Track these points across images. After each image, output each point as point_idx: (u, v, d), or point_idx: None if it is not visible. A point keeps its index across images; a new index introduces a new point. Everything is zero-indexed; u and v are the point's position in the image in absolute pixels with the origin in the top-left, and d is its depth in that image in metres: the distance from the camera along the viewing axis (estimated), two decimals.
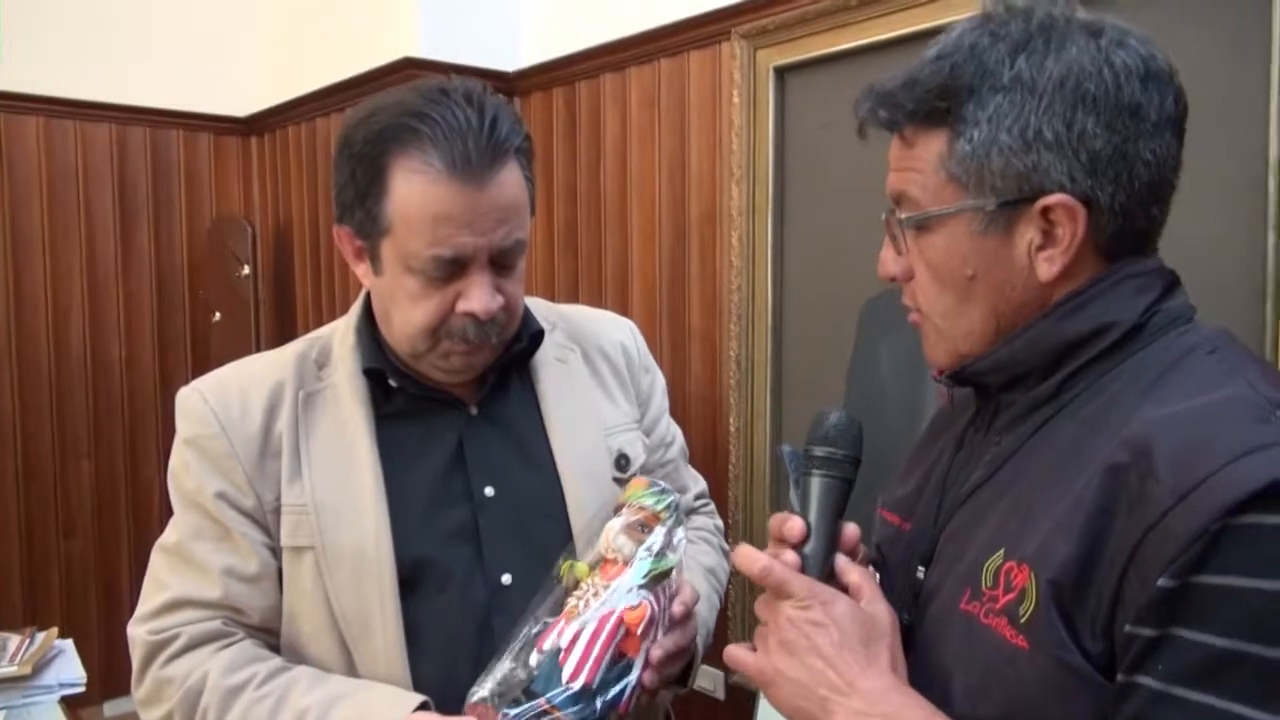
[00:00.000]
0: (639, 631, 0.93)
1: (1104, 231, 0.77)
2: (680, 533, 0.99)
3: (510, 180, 1.02)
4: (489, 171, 0.99)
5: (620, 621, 0.92)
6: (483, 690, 0.93)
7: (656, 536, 0.96)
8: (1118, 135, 0.75)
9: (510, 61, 2.67)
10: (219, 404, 1.08)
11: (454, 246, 0.99)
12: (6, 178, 2.97)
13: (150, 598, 1.08)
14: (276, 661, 1.05)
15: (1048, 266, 0.78)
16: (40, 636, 1.79)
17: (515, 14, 2.68)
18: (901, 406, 1.87)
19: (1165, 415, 0.70)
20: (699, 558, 1.21)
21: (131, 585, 3.26)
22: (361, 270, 1.09)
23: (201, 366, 3.34)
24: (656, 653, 0.95)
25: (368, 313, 1.14)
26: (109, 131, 3.14)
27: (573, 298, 2.54)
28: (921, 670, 0.81)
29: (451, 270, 1.01)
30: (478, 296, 1.02)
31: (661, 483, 0.98)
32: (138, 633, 1.06)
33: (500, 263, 1.03)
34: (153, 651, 1.04)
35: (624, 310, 2.43)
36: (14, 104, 2.95)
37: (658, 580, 0.94)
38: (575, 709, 0.89)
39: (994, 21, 0.79)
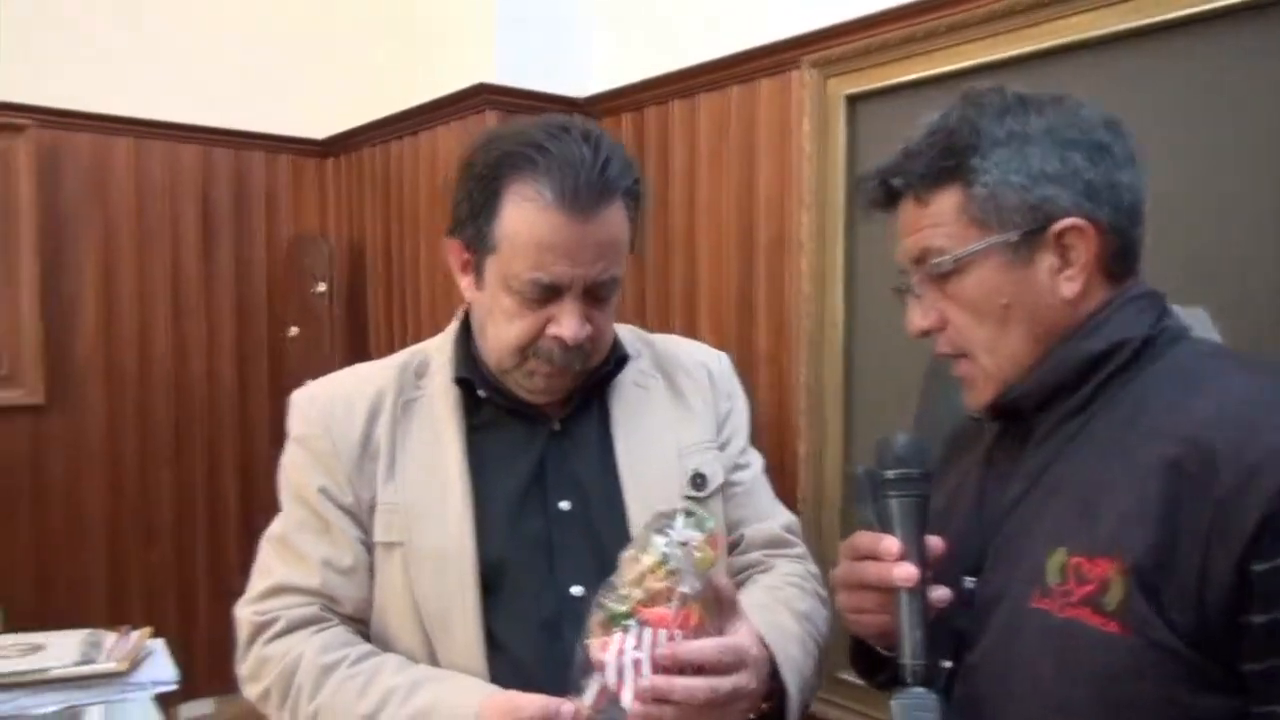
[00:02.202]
0: (591, 662, 0.94)
1: (1108, 250, 0.90)
2: (687, 584, 0.93)
3: (614, 219, 1.08)
4: (595, 208, 1.05)
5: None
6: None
7: (627, 581, 0.95)
8: (1101, 167, 0.89)
9: (581, 88, 2.74)
10: (326, 407, 1.16)
11: (552, 273, 1.05)
12: (100, 195, 3.12)
13: (256, 582, 1.16)
14: (367, 647, 1.12)
15: (1069, 285, 0.89)
16: (135, 635, 1.87)
17: (587, 42, 2.75)
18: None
19: (1209, 411, 0.81)
20: (792, 603, 1.18)
21: (208, 591, 3.37)
22: (465, 283, 1.16)
23: (277, 380, 3.45)
24: (624, 694, 0.92)
25: (466, 326, 1.20)
26: (196, 152, 3.28)
27: (639, 318, 2.59)
28: (999, 666, 0.88)
29: (547, 295, 1.07)
30: (568, 324, 1.07)
31: (663, 541, 0.93)
32: (244, 613, 1.14)
33: (594, 294, 1.09)
34: (256, 631, 1.12)
35: (692, 333, 2.47)
36: (108, 125, 3.10)
37: (613, 620, 0.93)
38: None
39: (974, 98, 0.93)
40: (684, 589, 0.92)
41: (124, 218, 3.17)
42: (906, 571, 0.87)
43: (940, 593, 0.91)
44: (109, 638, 1.87)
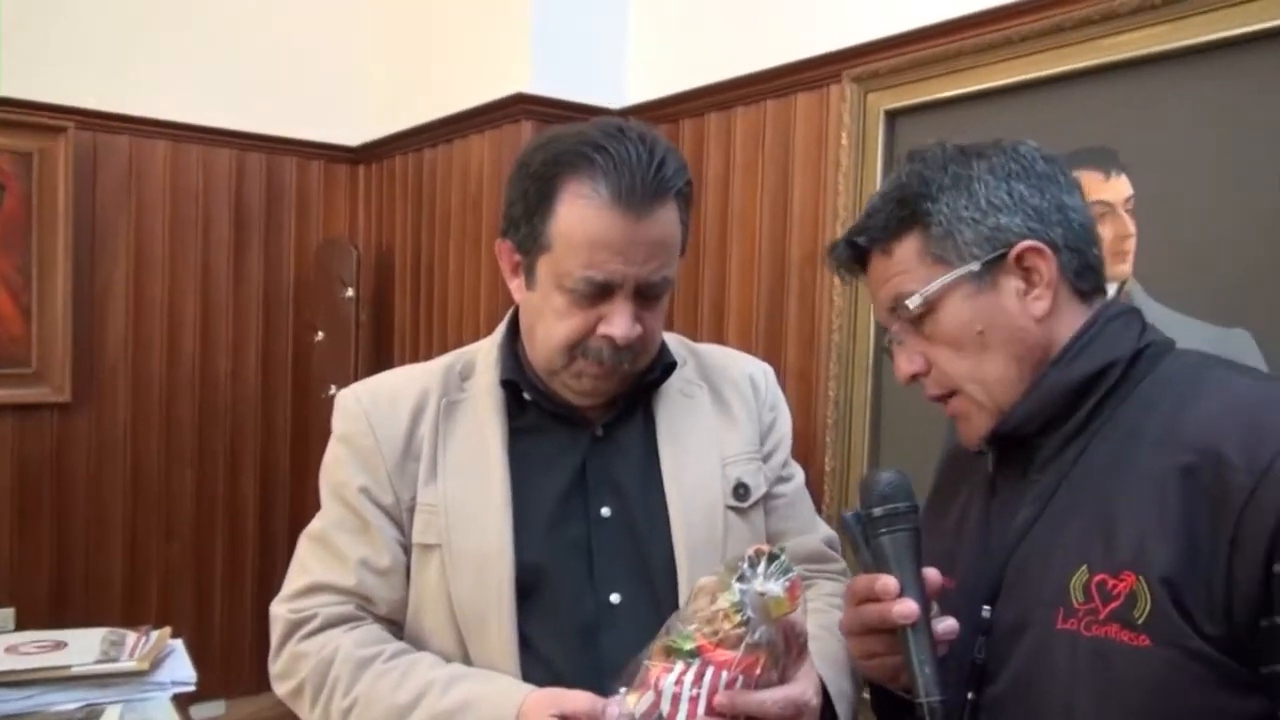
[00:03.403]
0: (648, 681, 0.92)
1: (1069, 268, 0.94)
2: (757, 634, 0.91)
3: (667, 219, 1.08)
4: (649, 207, 1.05)
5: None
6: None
7: (698, 616, 0.93)
8: (1047, 193, 0.95)
9: (617, 99, 2.74)
10: (370, 406, 1.16)
11: (606, 271, 1.05)
12: (134, 197, 3.14)
13: (293, 580, 1.16)
14: (402, 644, 1.12)
15: (1038, 304, 0.93)
16: (155, 635, 1.86)
17: (624, 53, 2.76)
18: None
19: (1213, 416, 0.83)
20: (834, 627, 1.13)
21: (223, 592, 3.36)
22: (515, 285, 1.16)
23: (302, 384, 3.46)
24: None
25: (512, 329, 1.20)
26: (229, 157, 3.30)
27: (666, 327, 2.57)
28: (1028, 693, 0.87)
29: (599, 293, 1.07)
30: (618, 322, 1.07)
31: (741, 588, 0.90)
32: (280, 611, 1.14)
33: (645, 294, 1.09)
34: (291, 629, 1.12)
35: (719, 343, 2.46)
36: (144, 128, 3.12)
37: (677, 653, 0.92)
38: None
39: (917, 155, 1.00)
40: (753, 638, 0.90)
41: (157, 219, 3.18)
42: (906, 608, 0.87)
43: (946, 624, 0.91)
44: (130, 636, 1.86)
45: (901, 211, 0.97)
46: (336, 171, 3.55)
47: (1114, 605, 0.83)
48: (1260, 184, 1.51)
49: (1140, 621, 0.81)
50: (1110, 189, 1.70)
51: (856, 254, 1.03)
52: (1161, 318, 1.61)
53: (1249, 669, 0.78)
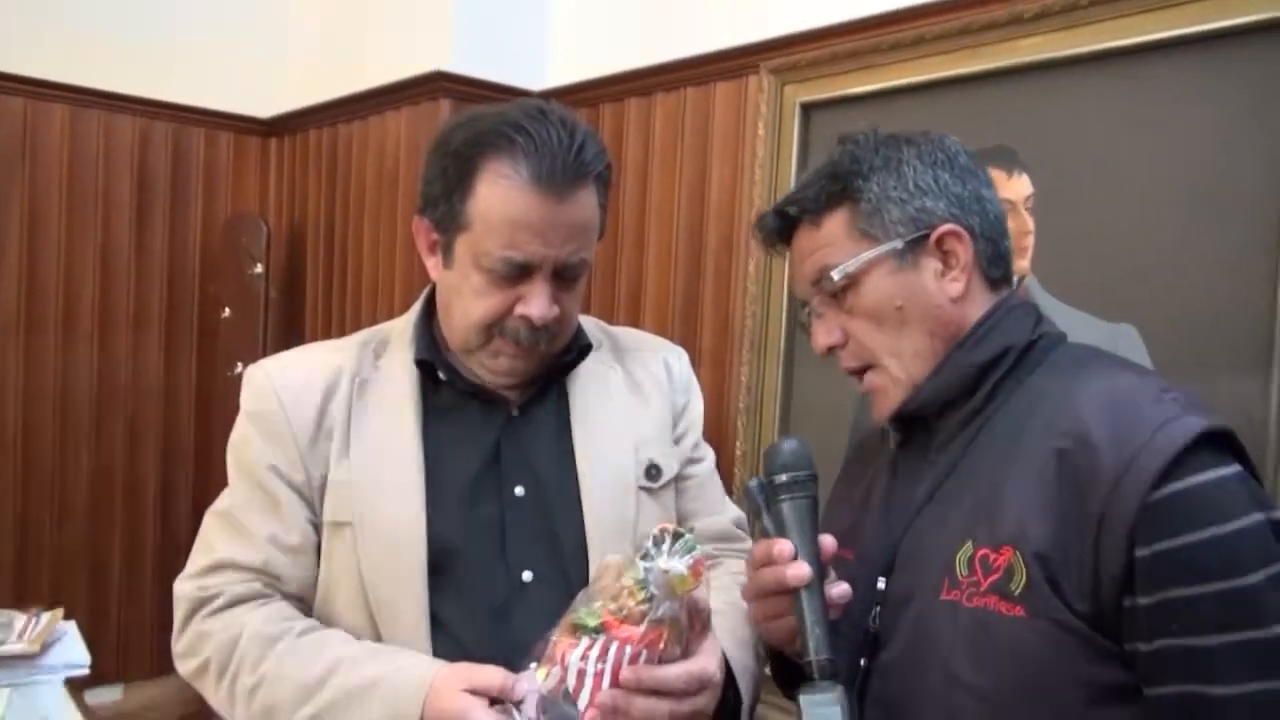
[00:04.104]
0: (555, 657, 0.94)
1: (983, 255, 1.00)
2: (660, 610, 0.93)
3: (586, 202, 1.09)
4: (569, 189, 1.06)
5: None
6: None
7: (604, 593, 0.95)
8: (968, 184, 1.01)
9: (538, 81, 2.72)
10: (281, 382, 1.14)
11: (525, 252, 1.06)
12: (29, 162, 3.00)
13: (198, 558, 1.14)
14: (311, 621, 1.11)
15: (954, 285, 0.99)
16: (46, 616, 1.80)
17: (546, 35, 2.74)
18: None
19: (1090, 404, 0.88)
20: (739, 603, 1.15)
21: (121, 574, 3.25)
22: (432, 263, 1.15)
23: (207, 361, 3.36)
24: (581, 699, 0.92)
25: (429, 308, 1.19)
26: (132, 124, 3.17)
27: (583, 310, 2.58)
28: (914, 660, 0.93)
29: (517, 274, 1.07)
30: (536, 303, 1.08)
31: (646, 566, 0.92)
32: (184, 588, 1.12)
33: (563, 275, 1.10)
34: (196, 607, 1.10)
35: (635, 327, 2.47)
36: (41, 90, 2.98)
37: (583, 629, 0.94)
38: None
39: (849, 138, 1.05)
40: (657, 614, 0.92)
41: (53, 186, 3.04)
42: (799, 570, 0.91)
43: (840, 589, 0.95)
44: (19, 618, 1.79)
45: (833, 186, 1.01)
46: (247, 144, 3.44)
47: (994, 578, 0.88)
48: (1150, 187, 1.59)
49: (1017, 593, 0.85)
50: (1012, 187, 1.77)
51: (784, 226, 1.06)
52: (1056, 311, 1.69)
53: (1116, 644, 0.83)
